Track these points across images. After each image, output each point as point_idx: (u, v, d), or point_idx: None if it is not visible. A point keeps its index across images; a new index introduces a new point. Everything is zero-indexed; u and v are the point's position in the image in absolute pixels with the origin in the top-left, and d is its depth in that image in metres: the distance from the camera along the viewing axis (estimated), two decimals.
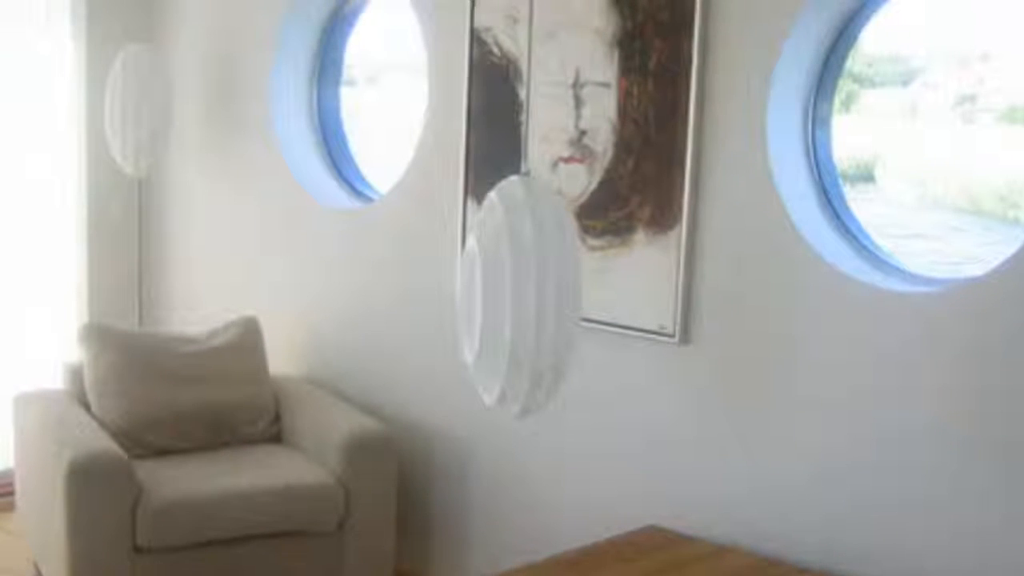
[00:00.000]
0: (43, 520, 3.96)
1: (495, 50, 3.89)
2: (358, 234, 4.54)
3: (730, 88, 3.33)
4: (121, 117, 4.96)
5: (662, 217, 3.49)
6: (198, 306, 5.27)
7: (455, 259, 3.97)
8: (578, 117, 3.68)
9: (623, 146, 3.58)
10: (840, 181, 3.36)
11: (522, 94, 3.81)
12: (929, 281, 3.15)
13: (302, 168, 4.81)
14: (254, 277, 5.03)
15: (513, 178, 2.91)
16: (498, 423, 3.79)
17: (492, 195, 2.90)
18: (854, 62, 3.37)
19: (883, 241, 3.30)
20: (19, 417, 4.41)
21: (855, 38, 3.28)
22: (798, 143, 3.35)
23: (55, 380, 4.55)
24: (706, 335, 3.44)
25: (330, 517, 3.96)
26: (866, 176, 3.57)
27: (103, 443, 3.86)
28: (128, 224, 5.41)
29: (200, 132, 5.22)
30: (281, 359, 4.70)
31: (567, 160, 3.72)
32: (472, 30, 3.95)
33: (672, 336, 3.48)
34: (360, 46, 4.83)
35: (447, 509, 4.25)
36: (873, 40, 3.33)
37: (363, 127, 4.93)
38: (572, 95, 3.68)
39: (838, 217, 3.34)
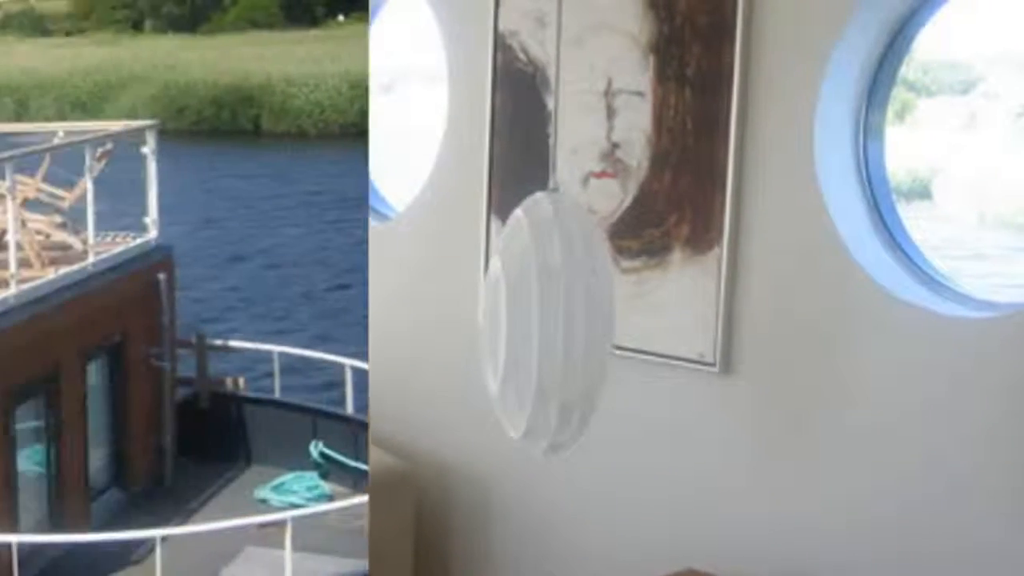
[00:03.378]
0: None
1: (521, 56, 3.93)
2: (371, 252, 4.57)
3: (774, 97, 3.35)
4: None
5: (701, 236, 3.51)
6: None
7: (478, 282, 4.01)
8: (610, 128, 3.71)
9: (659, 160, 3.60)
10: (894, 197, 3.37)
11: (550, 103, 3.84)
12: (990, 305, 3.15)
13: None
14: None
15: (540, 194, 2.94)
16: (524, 459, 3.80)
17: (518, 213, 2.93)
18: (908, 69, 3.38)
19: (940, 262, 3.31)
20: None
21: (909, 43, 3.30)
22: (848, 156, 3.36)
23: None
24: (749, 364, 3.46)
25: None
26: (922, 192, 3.58)
27: None
28: None
29: None
30: None
31: (599, 175, 3.74)
32: (496, 34, 3.99)
33: (712, 365, 3.49)
34: (373, 52, 4.86)
35: (469, 553, 4.26)
36: (929, 45, 3.35)
37: (377, 137, 4.96)
38: (604, 104, 3.71)
39: (892, 236, 3.34)
